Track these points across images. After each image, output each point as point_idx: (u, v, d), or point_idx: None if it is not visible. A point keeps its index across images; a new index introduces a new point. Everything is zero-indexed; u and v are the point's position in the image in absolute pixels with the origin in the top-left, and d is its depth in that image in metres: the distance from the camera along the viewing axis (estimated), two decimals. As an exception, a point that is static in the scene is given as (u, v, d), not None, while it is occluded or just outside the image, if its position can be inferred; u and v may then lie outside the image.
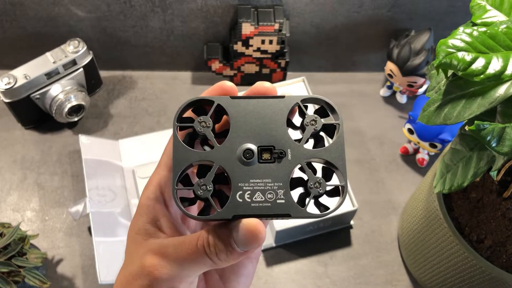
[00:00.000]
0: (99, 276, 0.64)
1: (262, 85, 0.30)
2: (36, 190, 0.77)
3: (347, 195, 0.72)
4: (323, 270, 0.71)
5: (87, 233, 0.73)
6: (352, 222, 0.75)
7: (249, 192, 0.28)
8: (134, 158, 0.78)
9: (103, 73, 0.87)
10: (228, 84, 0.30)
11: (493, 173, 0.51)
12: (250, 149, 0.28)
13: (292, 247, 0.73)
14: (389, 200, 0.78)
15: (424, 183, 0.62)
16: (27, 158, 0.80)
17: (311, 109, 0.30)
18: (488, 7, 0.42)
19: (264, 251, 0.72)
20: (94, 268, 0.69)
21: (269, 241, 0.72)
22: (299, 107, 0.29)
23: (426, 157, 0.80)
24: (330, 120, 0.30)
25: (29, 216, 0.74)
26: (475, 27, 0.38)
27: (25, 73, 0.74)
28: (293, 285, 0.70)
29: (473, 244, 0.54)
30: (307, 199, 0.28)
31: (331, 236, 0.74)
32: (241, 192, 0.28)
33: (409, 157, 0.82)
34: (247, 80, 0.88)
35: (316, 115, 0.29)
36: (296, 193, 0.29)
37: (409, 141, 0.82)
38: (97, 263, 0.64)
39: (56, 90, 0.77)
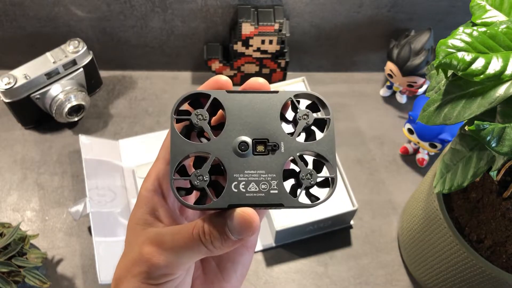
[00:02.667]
0: (99, 276, 0.64)
1: (256, 81, 0.31)
2: (36, 190, 0.77)
3: (348, 195, 0.72)
4: (323, 270, 0.71)
5: (87, 233, 0.73)
6: (352, 222, 0.75)
7: (243, 182, 0.29)
8: (134, 158, 0.78)
9: (103, 73, 0.87)
10: (223, 78, 0.31)
11: (493, 173, 0.51)
12: (245, 142, 0.29)
13: (292, 247, 0.73)
14: (389, 200, 0.78)
15: (424, 183, 0.62)
16: (27, 158, 0.80)
17: (304, 104, 0.31)
18: (488, 7, 0.42)
19: (264, 251, 0.72)
20: (94, 268, 0.69)
21: (269, 241, 0.72)
22: (292, 102, 0.31)
23: (426, 157, 0.80)
24: (321, 115, 0.31)
25: (29, 216, 0.74)
26: (475, 27, 0.38)
27: (25, 73, 0.74)
28: (293, 285, 0.70)
29: (473, 244, 0.54)
30: (299, 190, 0.29)
31: (331, 236, 0.74)
32: (236, 182, 0.29)
33: (409, 157, 0.82)
34: (247, 80, 0.88)
35: (308, 110, 0.30)
36: (288, 184, 0.30)
37: (409, 141, 0.82)
38: (97, 263, 0.64)
39: (56, 90, 0.77)
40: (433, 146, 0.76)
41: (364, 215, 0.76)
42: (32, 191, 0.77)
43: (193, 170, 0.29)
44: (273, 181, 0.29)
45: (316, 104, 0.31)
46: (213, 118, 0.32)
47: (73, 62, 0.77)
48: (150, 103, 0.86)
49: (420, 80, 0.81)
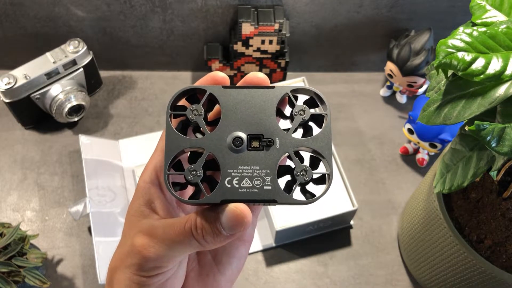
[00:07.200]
0: (99, 276, 0.64)
1: (255, 76, 0.31)
2: (36, 190, 0.77)
3: (348, 195, 0.72)
4: (323, 270, 0.71)
5: (87, 233, 0.73)
6: (352, 222, 0.75)
7: (237, 178, 0.29)
8: (134, 158, 0.78)
9: (103, 73, 0.87)
10: (220, 75, 0.31)
11: (493, 173, 0.51)
12: (239, 137, 0.29)
13: (292, 247, 0.73)
14: (389, 200, 0.78)
15: (424, 183, 0.62)
16: (27, 158, 0.80)
17: (302, 100, 0.31)
18: (488, 7, 0.42)
19: (264, 251, 0.72)
20: (94, 268, 0.69)
21: (269, 241, 0.72)
22: (289, 97, 0.30)
23: (426, 157, 0.80)
24: (319, 110, 0.31)
25: (29, 216, 0.75)
26: (475, 27, 0.38)
27: (25, 73, 0.74)
28: (293, 285, 0.70)
29: (473, 244, 0.54)
30: (294, 186, 0.29)
31: (331, 236, 0.74)
32: (229, 178, 0.29)
33: (409, 157, 0.82)
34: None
35: (304, 105, 0.30)
36: (284, 181, 0.30)
37: (409, 141, 0.82)
38: (97, 263, 0.64)
39: (56, 90, 0.77)
40: (433, 146, 0.76)
41: (364, 215, 0.76)
42: (32, 191, 0.77)
43: (188, 164, 0.29)
44: (267, 177, 0.29)
45: (314, 100, 0.31)
46: (211, 113, 0.32)
47: (73, 62, 0.77)
48: (150, 103, 0.86)
49: (420, 80, 0.81)
